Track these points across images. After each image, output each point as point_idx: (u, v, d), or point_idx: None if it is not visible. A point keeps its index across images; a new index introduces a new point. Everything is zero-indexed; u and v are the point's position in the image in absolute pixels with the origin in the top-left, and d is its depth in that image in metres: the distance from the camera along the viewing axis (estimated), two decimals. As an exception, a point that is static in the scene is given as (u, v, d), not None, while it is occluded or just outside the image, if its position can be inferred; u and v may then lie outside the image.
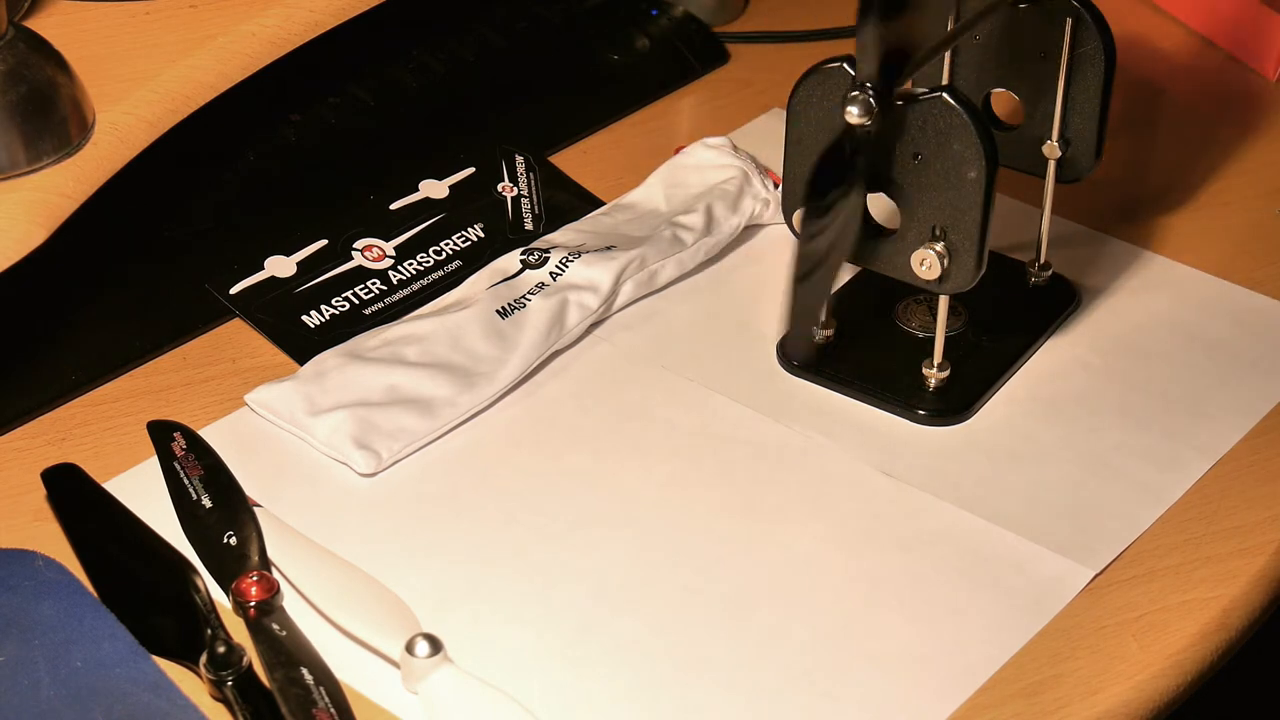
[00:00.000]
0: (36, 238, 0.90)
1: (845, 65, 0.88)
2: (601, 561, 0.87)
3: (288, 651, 0.79)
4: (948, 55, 0.98)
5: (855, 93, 0.85)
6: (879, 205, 0.92)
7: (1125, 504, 0.90)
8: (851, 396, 0.96)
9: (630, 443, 0.94)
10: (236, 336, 1.00)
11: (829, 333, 0.98)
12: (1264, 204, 1.12)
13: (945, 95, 0.87)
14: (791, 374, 0.97)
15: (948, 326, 0.97)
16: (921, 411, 0.95)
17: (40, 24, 0.98)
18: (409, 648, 0.79)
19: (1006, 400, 0.97)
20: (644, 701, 0.80)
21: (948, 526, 0.89)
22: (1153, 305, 1.03)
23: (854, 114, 0.85)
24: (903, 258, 0.91)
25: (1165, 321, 1.02)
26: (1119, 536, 0.88)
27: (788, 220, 0.94)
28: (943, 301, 0.94)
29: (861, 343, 0.99)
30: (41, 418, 0.95)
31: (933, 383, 0.96)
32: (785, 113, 0.92)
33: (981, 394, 0.96)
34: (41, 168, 0.91)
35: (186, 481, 0.89)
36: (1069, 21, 0.95)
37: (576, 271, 1.01)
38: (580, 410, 0.96)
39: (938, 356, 0.95)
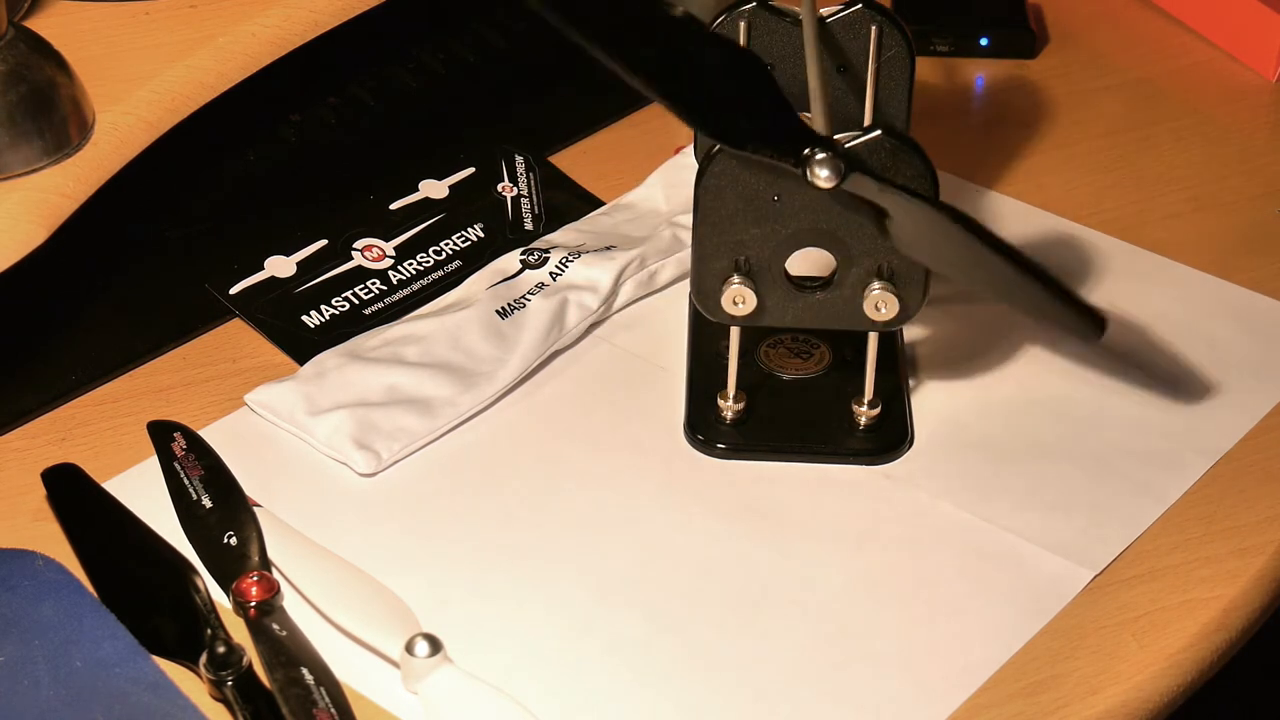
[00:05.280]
0: (36, 238, 0.90)
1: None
2: (601, 561, 0.87)
3: (288, 651, 0.79)
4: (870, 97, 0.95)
5: (820, 154, 0.81)
6: (803, 261, 0.90)
7: (1125, 504, 0.90)
8: (789, 460, 0.93)
9: (630, 443, 0.94)
10: (236, 336, 1.00)
11: (740, 406, 0.94)
12: (1264, 204, 1.12)
13: (881, 133, 0.84)
14: (716, 456, 0.93)
15: (812, 369, 0.96)
16: (864, 451, 0.93)
17: (40, 24, 0.98)
18: (409, 648, 0.79)
19: (999, 403, 0.97)
20: (644, 701, 0.80)
21: (948, 526, 0.89)
22: (1153, 305, 1.03)
23: (824, 177, 0.81)
24: (851, 306, 0.89)
25: (1165, 321, 1.02)
26: (1119, 536, 0.88)
27: (701, 308, 0.90)
28: (872, 338, 0.92)
29: (764, 403, 0.95)
30: (41, 418, 0.95)
31: (863, 421, 0.94)
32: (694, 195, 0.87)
33: (907, 417, 0.95)
34: (41, 168, 0.91)
35: (186, 481, 0.89)
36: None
37: (576, 271, 1.01)
38: (580, 410, 0.96)
39: (869, 394, 0.94)
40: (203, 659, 0.79)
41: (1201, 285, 1.05)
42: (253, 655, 0.80)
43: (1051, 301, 0.82)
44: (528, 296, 1.00)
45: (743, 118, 0.82)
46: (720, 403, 0.94)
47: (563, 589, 0.85)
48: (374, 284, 1.03)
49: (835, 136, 0.83)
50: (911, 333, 1.00)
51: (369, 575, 0.84)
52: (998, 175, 1.15)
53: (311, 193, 1.10)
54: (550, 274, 1.01)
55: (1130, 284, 1.05)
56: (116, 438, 0.94)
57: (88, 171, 0.92)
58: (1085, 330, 0.83)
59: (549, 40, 1.24)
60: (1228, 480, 0.92)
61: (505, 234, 1.08)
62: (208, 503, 0.88)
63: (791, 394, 0.96)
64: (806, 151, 0.82)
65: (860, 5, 0.93)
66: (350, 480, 0.92)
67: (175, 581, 0.84)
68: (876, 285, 0.89)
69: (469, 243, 1.07)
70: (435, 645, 0.79)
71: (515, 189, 1.11)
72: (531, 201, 1.10)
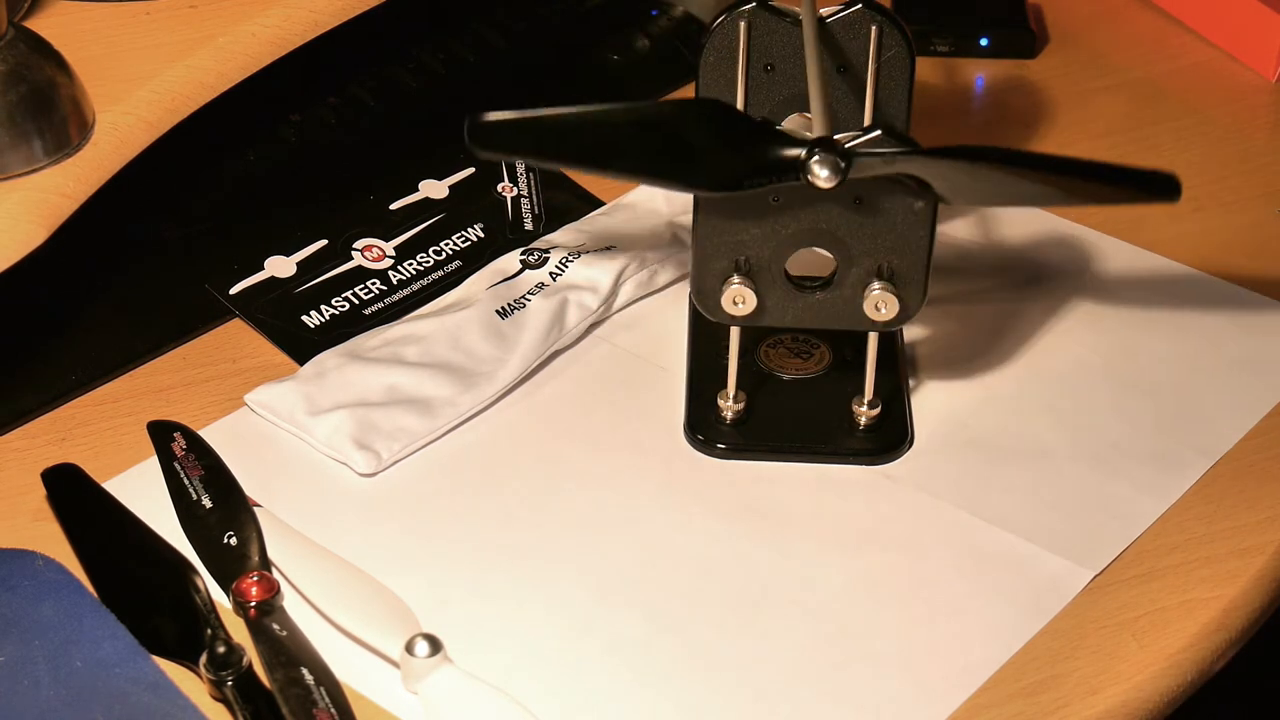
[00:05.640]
0: (36, 238, 0.90)
1: None
2: (601, 562, 0.87)
3: (288, 651, 0.79)
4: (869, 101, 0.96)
5: (819, 154, 0.81)
6: (802, 261, 0.90)
7: (1125, 504, 0.90)
8: (789, 460, 0.93)
9: (630, 443, 0.94)
10: (236, 336, 1.00)
11: (740, 406, 0.94)
12: (1264, 204, 1.12)
13: (881, 133, 0.84)
14: (716, 456, 0.93)
15: (812, 369, 0.96)
16: (864, 451, 0.93)
17: (40, 24, 0.98)
18: (409, 648, 0.79)
19: (999, 403, 0.97)
20: (644, 702, 0.80)
21: (948, 526, 0.89)
22: (1153, 305, 1.03)
23: (824, 177, 0.81)
24: (850, 306, 0.89)
25: (1165, 321, 1.02)
26: (1119, 536, 0.88)
27: (701, 308, 0.91)
28: (872, 338, 0.92)
29: (764, 403, 0.95)
30: (41, 418, 0.95)
31: (863, 421, 0.94)
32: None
33: (907, 417, 0.95)
34: (41, 168, 0.91)
35: (186, 481, 0.89)
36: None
37: (576, 271, 1.01)
38: (580, 410, 0.96)
39: (869, 394, 0.94)
40: (203, 659, 0.79)
41: (1201, 285, 1.05)
42: (253, 655, 0.80)
43: (1111, 185, 0.82)
44: (528, 296, 1.00)
45: (727, 164, 0.82)
46: (720, 403, 0.94)
47: (563, 589, 0.85)
48: (374, 284, 1.03)
49: (835, 137, 0.83)
50: (911, 333, 1.01)
51: (369, 575, 0.84)
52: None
53: (311, 193, 1.10)
54: (550, 274, 1.01)
55: (1130, 284, 1.05)
56: (116, 438, 0.94)
57: (88, 171, 0.92)
58: (1158, 195, 0.82)
59: (549, 40, 1.25)
60: (1228, 480, 0.92)
61: (505, 234, 1.08)
62: (208, 503, 0.88)
63: (791, 394, 0.96)
64: (803, 157, 0.82)
65: (860, 5, 0.93)
66: (350, 480, 0.92)
67: (175, 581, 0.84)
68: (876, 285, 0.89)
69: (469, 243, 1.07)
70: (435, 645, 0.79)
71: (515, 189, 1.11)
72: (531, 201, 1.10)
